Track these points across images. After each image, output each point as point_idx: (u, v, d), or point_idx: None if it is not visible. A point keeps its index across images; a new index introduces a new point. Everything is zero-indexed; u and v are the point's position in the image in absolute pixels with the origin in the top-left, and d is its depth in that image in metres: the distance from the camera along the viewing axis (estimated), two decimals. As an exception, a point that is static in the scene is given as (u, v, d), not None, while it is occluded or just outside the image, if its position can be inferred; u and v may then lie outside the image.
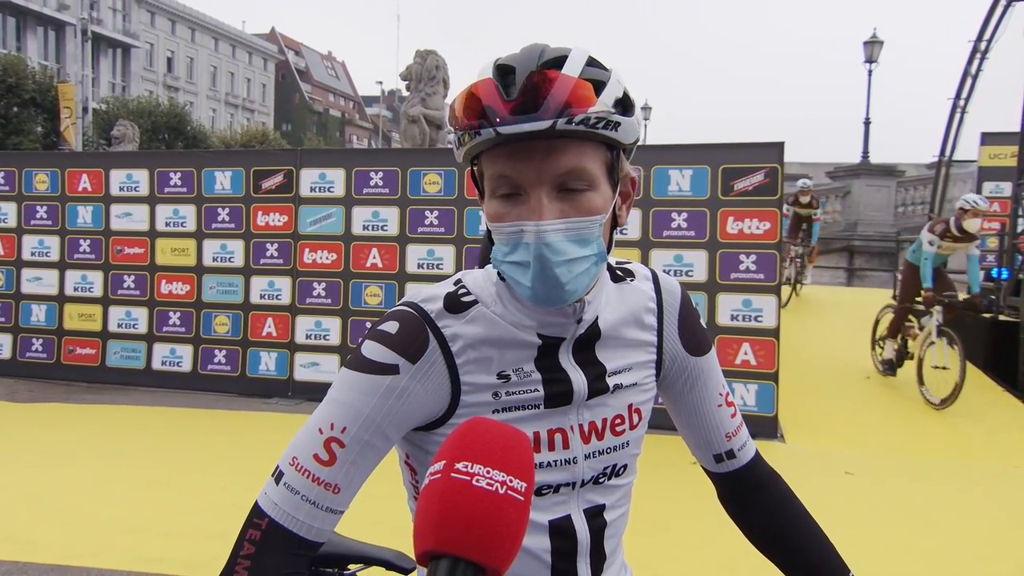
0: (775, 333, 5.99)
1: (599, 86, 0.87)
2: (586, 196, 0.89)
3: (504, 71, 0.87)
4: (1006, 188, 11.89)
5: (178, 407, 6.78)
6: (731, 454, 1.13)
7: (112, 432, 6.04)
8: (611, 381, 1.00)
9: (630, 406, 1.02)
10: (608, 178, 0.92)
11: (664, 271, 1.17)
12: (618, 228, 0.97)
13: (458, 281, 0.99)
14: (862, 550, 3.54)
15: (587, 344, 0.99)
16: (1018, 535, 4.05)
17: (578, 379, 0.97)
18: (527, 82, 0.84)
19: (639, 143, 0.95)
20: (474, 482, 0.62)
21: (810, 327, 9.48)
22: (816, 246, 11.95)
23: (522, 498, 0.63)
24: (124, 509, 4.14)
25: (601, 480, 1.01)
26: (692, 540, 3.83)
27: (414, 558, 0.64)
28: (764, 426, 5.76)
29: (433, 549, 0.61)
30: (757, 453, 1.16)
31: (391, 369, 0.90)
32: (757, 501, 1.14)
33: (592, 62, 0.89)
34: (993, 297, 9.15)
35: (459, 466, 0.63)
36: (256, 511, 0.89)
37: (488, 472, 0.63)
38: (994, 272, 9.08)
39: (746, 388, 5.96)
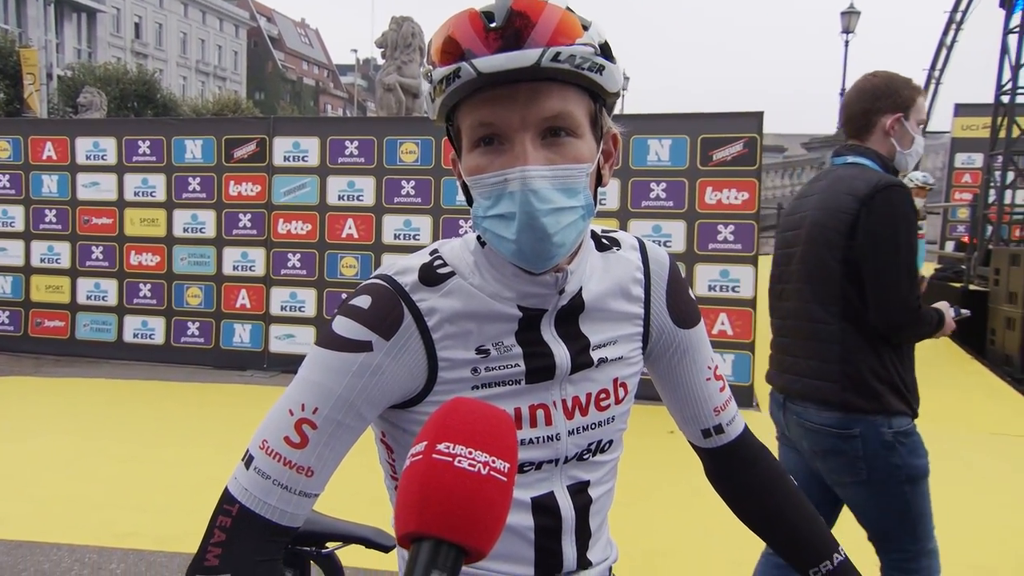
0: (752, 303, 6.02)
1: (584, 25, 0.83)
2: (572, 143, 0.84)
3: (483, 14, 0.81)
4: (977, 159, 12.05)
5: (151, 380, 6.69)
6: (719, 429, 1.10)
7: (83, 406, 5.94)
8: (595, 355, 0.96)
9: (615, 380, 0.99)
10: (592, 130, 0.87)
11: None
12: (601, 188, 0.92)
13: (434, 252, 0.95)
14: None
15: (570, 316, 0.95)
16: (986, 499, 4.14)
17: (561, 353, 0.93)
18: (511, 11, 0.79)
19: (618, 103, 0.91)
20: (456, 463, 0.60)
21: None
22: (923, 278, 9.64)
23: (505, 479, 0.61)
24: (95, 484, 4.09)
25: (585, 456, 0.98)
26: (669, 508, 3.87)
27: (395, 539, 0.62)
28: (740, 395, 5.79)
29: (415, 531, 0.59)
30: (746, 428, 1.14)
31: (364, 346, 0.86)
32: (746, 477, 1.12)
33: (570, 11, 0.84)
34: (963, 267, 9.32)
35: (441, 447, 0.61)
36: (226, 497, 0.86)
37: (470, 453, 0.61)
38: None
39: (723, 358, 6.01)
